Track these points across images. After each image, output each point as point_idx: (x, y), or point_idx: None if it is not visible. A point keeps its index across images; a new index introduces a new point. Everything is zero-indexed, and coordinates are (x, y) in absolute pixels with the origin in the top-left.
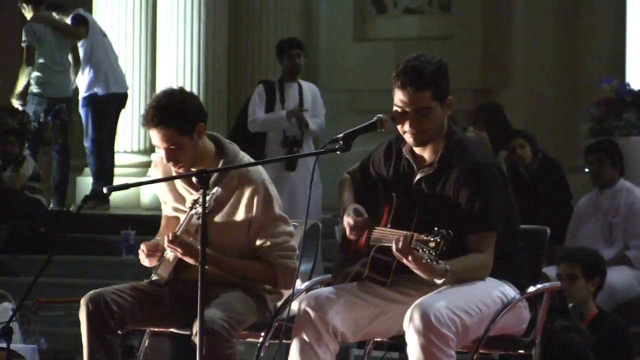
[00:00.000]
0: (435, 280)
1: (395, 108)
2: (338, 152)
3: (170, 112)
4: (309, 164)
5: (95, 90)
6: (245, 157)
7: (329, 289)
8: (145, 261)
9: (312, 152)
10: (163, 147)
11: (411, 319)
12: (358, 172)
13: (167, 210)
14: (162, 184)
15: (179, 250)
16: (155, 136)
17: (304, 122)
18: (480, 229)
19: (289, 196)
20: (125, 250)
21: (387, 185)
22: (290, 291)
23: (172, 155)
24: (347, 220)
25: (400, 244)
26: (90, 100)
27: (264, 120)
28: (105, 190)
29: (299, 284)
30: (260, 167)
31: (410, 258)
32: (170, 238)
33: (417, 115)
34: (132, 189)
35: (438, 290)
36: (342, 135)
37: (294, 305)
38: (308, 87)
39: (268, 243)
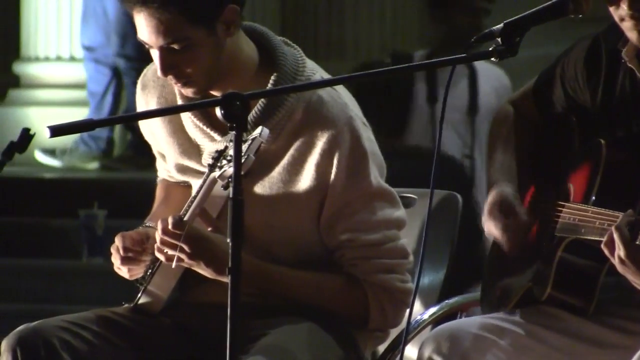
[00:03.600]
0: None
1: None
2: (495, 58)
3: None
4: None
5: None
6: (318, 73)
7: (477, 320)
8: (122, 269)
9: (444, 60)
10: (157, 45)
11: None
12: (530, 100)
13: (167, 171)
14: (158, 122)
15: (186, 250)
16: (142, 22)
17: None
18: None
19: None
20: (87, 248)
21: (588, 121)
22: (401, 327)
23: (172, 63)
24: (492, 229)
25: (616, 235)
26: None
27: None
28: (49, 132)
29: (419, 312)
30: (346, 96)
31: (633, 262)
32: (168, 227)
33: None
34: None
35: None
36: (501, 25)
37: (410, 353)
38: (491, 86)
39: (354, 241)
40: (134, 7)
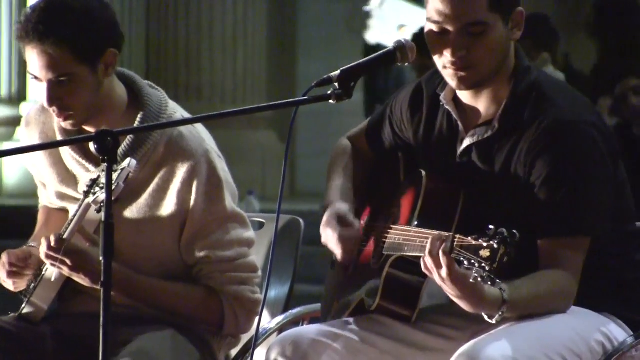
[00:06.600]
0: (484, 315)
1: (428, 26)
2: (332, 101)
3: (66, 19)
4: None
5: None
6: (179, 112)
7: (316, 327)
8: (8, 282)
9: (288, 102)
10: (46, 78)
11: None
12: (364, 138)
13: (48, 198)
14: (40, 155)
15: (67, 263)
16: (35, 57)
17: None
18: (565, 231)
19: None
20: None
21: (412, 156)
22: (251, 334)
23: (58, 95)
24: (329, 237)
25: (433, 252)
26: None
27: None
28: None
29: (267, 321)
30: (203, 132)
31: (447, 275)
32: (51, 244)
33: (465, 37)
34: None
35: (496, 329)
36: (338, 72)
37: (259, 356)
38: None
39: (211, 257)
40: (29, 43)
